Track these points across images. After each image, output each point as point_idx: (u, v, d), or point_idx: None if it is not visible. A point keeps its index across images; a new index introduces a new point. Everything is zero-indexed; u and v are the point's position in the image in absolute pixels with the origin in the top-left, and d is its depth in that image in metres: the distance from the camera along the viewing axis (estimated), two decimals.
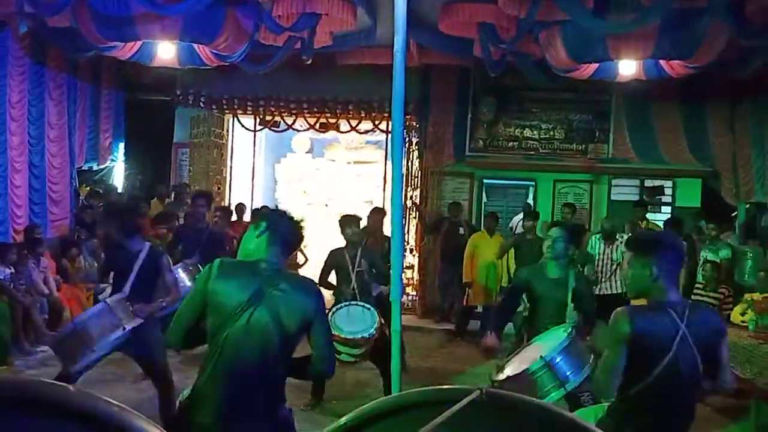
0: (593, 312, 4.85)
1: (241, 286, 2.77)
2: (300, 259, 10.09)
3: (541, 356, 3.99)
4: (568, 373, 3.99)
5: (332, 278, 6.41)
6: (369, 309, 5.74)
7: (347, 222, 6.33)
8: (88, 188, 11.30)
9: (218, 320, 2.76)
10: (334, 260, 6.32)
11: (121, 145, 12.22)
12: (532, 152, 11.15)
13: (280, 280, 2.81)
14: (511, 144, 11.21)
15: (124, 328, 4.59)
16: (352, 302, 5.88)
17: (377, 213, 7.90)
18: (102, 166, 11.74)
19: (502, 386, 3.94)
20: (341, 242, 6.42)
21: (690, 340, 2.80)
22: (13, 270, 7.89)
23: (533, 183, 11.33)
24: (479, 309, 9.60)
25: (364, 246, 6.48)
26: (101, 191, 11.33)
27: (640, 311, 2.92)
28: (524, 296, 5.29)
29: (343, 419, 1.15)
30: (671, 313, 2.83)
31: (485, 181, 11.36)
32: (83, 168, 11.10)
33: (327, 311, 5.78)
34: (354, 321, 5.63)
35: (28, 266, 8.18)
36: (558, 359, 3.99)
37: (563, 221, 8.73)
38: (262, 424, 2.79)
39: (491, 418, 1.05)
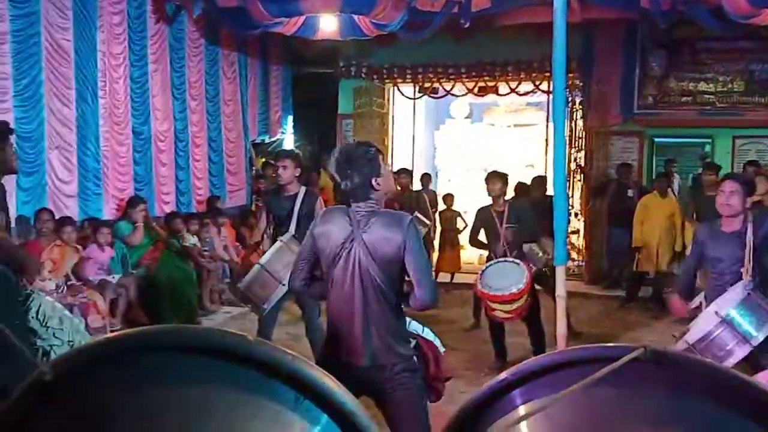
0: None
1: (338, 230, 2.97)
2: (460, 224, 10.13)
3: (716, 312, 3.77)
4: (749, 329, 3.76)
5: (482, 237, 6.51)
6: (518, 264, 5.77)
7: (491, 179, 6.33)
8: (262, 159, 11.96)
9: (325, 262, 3.01)
10: (481, 219, 6.41)
11: (290, 118, 12.79)
12: (708, 107, 10.39)
13: (372, 217, 2.95)
14: (684, 99, 10.52)
15: None
16: (501, 259, 5.94)
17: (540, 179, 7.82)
18: (273, 139, 12.37)
19: None
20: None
21: None
22: (197, 238, 8.58)
23: (710, 140, 10.59)
24: (651, 275, 9.18)
25: (512, 202, 6.44)
26: (274, 162, 11.93)
27: None
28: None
29: (504, 374, 1.16)
30: None
31: (656, 139, 10.78)
32: (256, 141, 11.76)
33: (481, 271, 5.87)
34: (503, 277, 5.68)
35: (211, 234, 8.86)
36: (735, 315, 3.77)
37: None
38: (384, 358, 2.94)
39: (655, 377, 1.02)
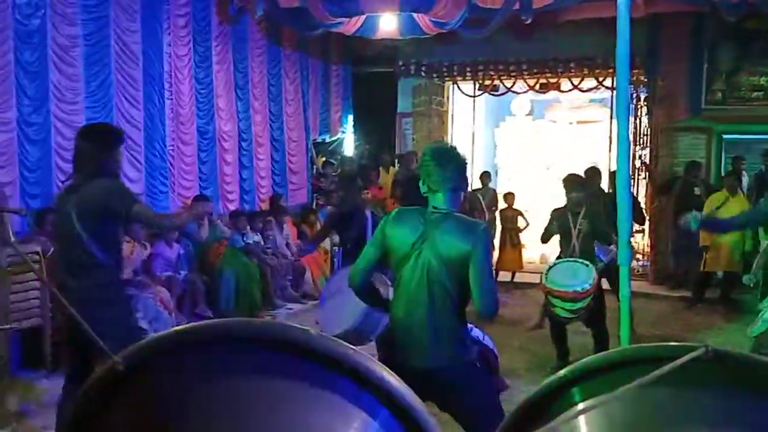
0: None
1: (410, 230, 2.98)
2: (521, 223, 10.03)
3: None
4: None
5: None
6: (587, 265, 5.68)
7: (569, 185, 6.24)
8: (323, 159, 12.09)
9: (394, 261, 3.02)
10: (556, 219, 6.36)
11: (350, 117, 12.89)
12: None
13: (445, 221, 2.95)
14: (755, 94, 10.15)
15: None
16: (570, 258, 5.87)
17: (593, 172, 7.64)
18: (333, 138, 12.49)
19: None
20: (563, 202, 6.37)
21: None
22: (260, 236, 8.73)
23: None
24: (718, 276, 8.92)
25: (588, 207, 6.34)
26: (334, 162, 12.06)
27: None
28: None
29: (562, 371, 1.16)
30: None
31: (725, 136, 10.44)
32: (317, 140, 11.90)
33: (548, 267, 5.81)
34: (569, 276, 5.60)
35: (274, 232, 9.01)
36: None
37: None
38: (448, 360, 2.94)
39: (717, 377, 1.01)
